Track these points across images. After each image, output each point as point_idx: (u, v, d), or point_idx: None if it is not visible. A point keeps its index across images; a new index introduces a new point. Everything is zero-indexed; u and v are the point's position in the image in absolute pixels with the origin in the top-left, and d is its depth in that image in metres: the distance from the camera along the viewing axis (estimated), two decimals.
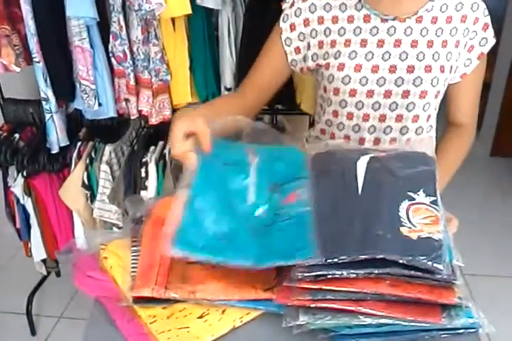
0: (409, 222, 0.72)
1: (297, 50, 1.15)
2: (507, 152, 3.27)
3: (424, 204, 0.76)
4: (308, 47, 1.14)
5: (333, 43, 1.11)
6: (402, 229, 0.71)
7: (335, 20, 1.10)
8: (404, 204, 0.75)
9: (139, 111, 1.69)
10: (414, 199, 0.76)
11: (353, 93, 1.11)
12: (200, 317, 0.82)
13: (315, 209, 0.80)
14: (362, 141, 1.17)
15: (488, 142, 3.28)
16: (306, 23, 1.12)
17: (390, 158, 0.88)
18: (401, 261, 0.68)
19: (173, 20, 1.59)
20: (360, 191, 0.80)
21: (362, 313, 0.72)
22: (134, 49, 1.61)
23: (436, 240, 0.69)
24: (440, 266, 0.68)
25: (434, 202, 0.76)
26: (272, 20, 1.30)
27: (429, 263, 0.68)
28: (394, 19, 1.07)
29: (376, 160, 0.87)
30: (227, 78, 1.69)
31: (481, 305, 0.76)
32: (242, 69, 1.65)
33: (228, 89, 1.71)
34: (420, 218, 0.73)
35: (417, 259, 0.67)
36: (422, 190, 0.78)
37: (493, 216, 2.78)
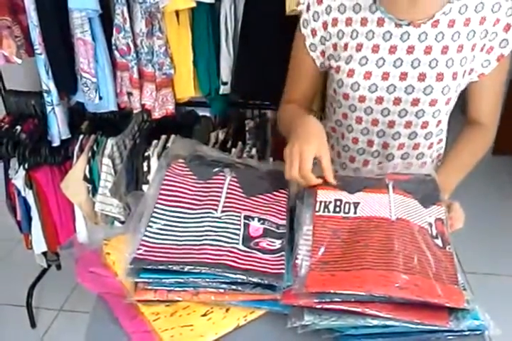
0: None
1: (322, 54, 1.14)
2: (509, 151, 3.26)
3: None
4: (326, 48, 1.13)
5: (345, 46, 1.09)
6: None
7: (348, 22, 1.08)
8: None
9: (142, 105, 1.68)
10: None
11: (362, 99, 1.10)
12: (204, 315, 0.81)
13: None
14: (370, 143, 1.17)
15: None
16: (325, 26, 1.10)
17: None
18: None
19: (177, 13, 1.57)
20: None
21: (368, 315, 0.72)
22: (138, 42, 1.59)
23: None
24: None
25: None
26: (271, 16, 1.28)
27: None
28: (408, 24, 1.03)
29: None
30: (224, 72, 1.68)
31: (481, 303, 0.76)
32: (240, 64, 1.64)
33: (224, 83, 1.69)
34: None
35: None
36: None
37: (494, 215, 2.77)
